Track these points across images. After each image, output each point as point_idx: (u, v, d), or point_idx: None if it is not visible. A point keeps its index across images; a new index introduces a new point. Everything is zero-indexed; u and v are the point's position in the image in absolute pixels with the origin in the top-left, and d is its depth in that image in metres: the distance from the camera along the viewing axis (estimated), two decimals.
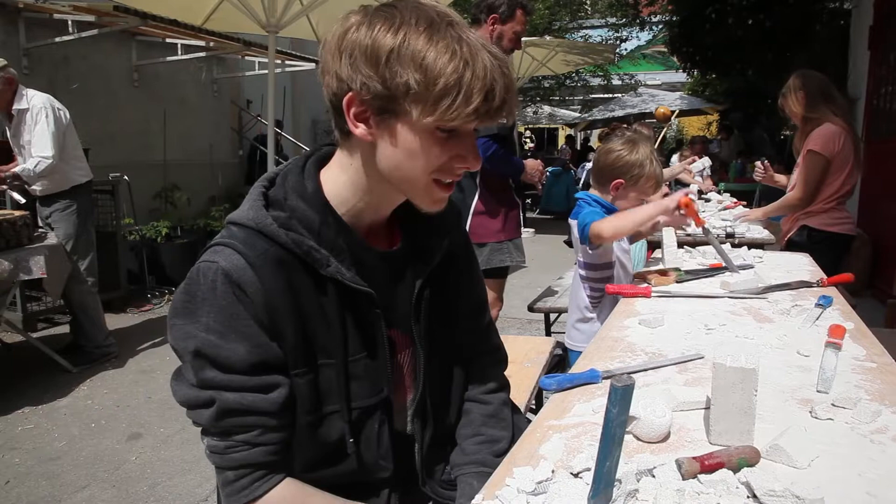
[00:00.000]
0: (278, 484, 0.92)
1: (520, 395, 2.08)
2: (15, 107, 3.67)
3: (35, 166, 3.64)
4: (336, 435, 0.96)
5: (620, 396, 0.56)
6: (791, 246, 3.18)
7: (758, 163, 3.60)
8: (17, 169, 3.69)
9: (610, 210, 2.25)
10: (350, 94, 0.86)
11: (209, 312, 0.87)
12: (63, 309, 4.45)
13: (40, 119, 3.67)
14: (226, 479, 0.92)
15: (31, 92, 3.74)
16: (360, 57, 0.84)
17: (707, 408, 1.02)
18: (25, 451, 2.93)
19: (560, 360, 2.55)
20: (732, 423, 0.91)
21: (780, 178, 3.56)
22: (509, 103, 0.87)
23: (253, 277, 0.87)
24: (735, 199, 4.55)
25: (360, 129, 0.89)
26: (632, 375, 0.57)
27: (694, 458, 0.80)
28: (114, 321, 4.64)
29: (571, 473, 0.80)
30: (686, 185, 4.97)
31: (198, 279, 0.88)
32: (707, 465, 0.80)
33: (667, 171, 4.16)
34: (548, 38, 9.81)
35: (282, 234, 0.90)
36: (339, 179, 0.97)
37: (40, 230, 3.87)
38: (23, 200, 4.02)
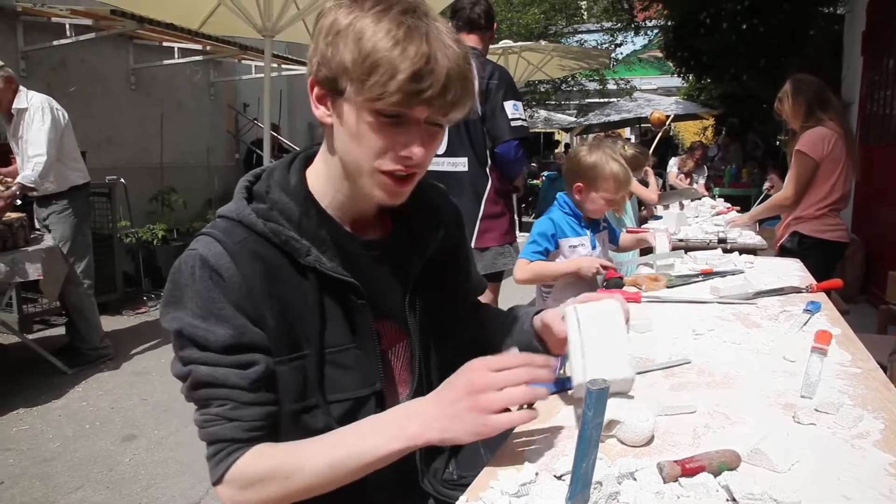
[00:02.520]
0: (247, 452, 0.92)
1: None
2: (14, 106, 3.73)
3: (33, 170, 3.67)
4: (321, 424, 0.96)
5: (595, 399, 0.57)
6: (783, 252, 3.20)
7: (767, 180, 3.70)
8: (20, 179, 3.70)
9: (575, 214, 2.43)
10: (312, 76, 0.91)
11: (192, 298, 0.90)
12: (59, 311, 4.46)
13: (36, 118, 3.71)
14: (207, 455, 0.94)
15: (31, 93, 3.79)
16: (319, 40, 0.89)
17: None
18: (20, 451, 2.94)
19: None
20: (606, 357, 0.94)
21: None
22: (453, 92, 0.87)
23: (229, 263, 0.90)
24: (728, 205, 4.57)
25: (319, 111, 0.93)
26: (606, 379, 0.58)
27: (675, 461, 0.82)
28: (109, 323, 4.64)
29: (554, 476, 0.81)
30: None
31: (181, 267, 0.92)
32: (688, 469, 0.81)
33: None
34: (543, 42, 9.84)
35: (259, 223, 0.93)
36: (320, 172, 1.00)
37: (37, 232, 3.88)
38: (19, 202, 4.03)
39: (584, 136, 18.05)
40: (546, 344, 1.14)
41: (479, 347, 1.21)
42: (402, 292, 1.05)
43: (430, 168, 3.27)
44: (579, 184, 2.37)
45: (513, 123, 2.83)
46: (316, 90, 0.92)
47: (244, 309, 0.91)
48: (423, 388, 1.07)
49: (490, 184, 2.93)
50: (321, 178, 0.99)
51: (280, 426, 0.95)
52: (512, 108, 2.85)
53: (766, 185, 3.74)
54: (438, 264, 1.10)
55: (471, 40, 3.00)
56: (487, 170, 2.92)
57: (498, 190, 2.96)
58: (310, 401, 0.96)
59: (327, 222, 0.98)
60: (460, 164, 2.91)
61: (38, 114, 3.71)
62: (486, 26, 3.01)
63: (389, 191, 0.94)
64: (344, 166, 0.95)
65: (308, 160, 1.03)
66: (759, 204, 4.21)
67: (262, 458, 0.91)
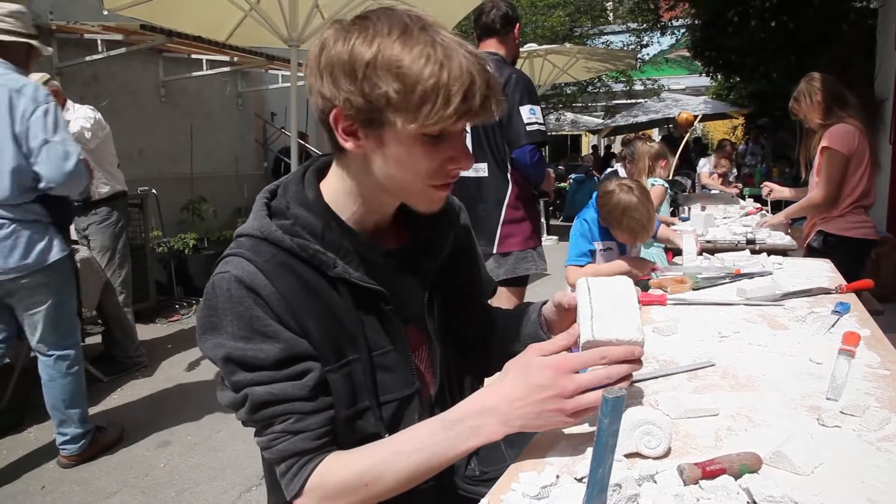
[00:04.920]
0: (321, 462, 0.92)
1: None
2: None
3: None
4: (372, 428, 0.98)
5: (611, 407, 0.59)
6: (811, 251, 3.15)
7: (763, 186, 3.72)
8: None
9: (601, 227, 2.52)
10: (335, 110, 0.89)
11: (231, 321, 0.90)
12: (95, 320, 4.56)
13: (87, 111, 3.81)
14: (280, 473, 0.93)
15: (77, 105, 3.88)
16: (339, 73, 0.87)
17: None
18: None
19: None
20: (615, 319, 0.93)
21: (784, 191, 3.58)
22: (491, 99, 0.88)
23: (264, 280, 0.91)
24: (758, 205, 4.50)
25: (349, 144, 0.92)
26: (622, 388, 0.59)
27: (696, 464, 0.82)
28: (143, 332, 4.74)
29: (575, 478, 0.82)
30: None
31: (214, 292, 0.92)
32: (708, 472, 0.81)
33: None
34: (568, 45, 9.79)
35: (286, 239, 0.94)
36: (338, 189, 1.00)
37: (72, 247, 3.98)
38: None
39: (612, 137, 17.95)
40: (553, 333, 1.17)
41: (486, 348, 1.24)
42: (421, 297, 1.07)
43: None
44: (601, 219, 2.50)
45: (528, 128, 2.82)
46: (343, 124, 0.90)
47: (287, 323, 0.91)
48: (444, 388, 1.10)
49: (511, 189, 2.93)
50: (340, 195, 1.00)
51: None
52: (528, 113, 2.83)
53: (765, 191, 3.72)
54: (450, 266, 1.12)
55: (490, 45, 3.02)
56: (508, 175, 2.93)
57: (518, 195, 2.95)
58: (361, 405, 0.97)
59: (349, 234, 0.99)
60: (482, 169, 2.92)
61: (87, 110, 3.82)
62: (502, 30, 3.01)
63: (437, 200, 0.98)
64: (384, 189, 0.97)
65: (319, 172, 1.04)
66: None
67: (340, 468, 0.92)
